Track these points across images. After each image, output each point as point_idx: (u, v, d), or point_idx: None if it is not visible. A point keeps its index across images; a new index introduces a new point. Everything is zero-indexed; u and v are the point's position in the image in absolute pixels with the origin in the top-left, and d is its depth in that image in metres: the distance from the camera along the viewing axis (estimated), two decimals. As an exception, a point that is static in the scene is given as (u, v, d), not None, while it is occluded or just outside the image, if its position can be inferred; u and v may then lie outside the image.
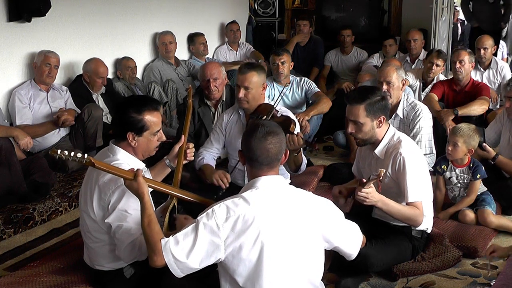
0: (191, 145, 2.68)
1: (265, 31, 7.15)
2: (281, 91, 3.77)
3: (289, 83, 4.51)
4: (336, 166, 4.13)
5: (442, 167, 3.36)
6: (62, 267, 2.68)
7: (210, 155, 3.39)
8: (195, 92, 4.73)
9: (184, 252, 1.88)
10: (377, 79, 3.83)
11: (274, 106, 3.19)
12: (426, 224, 2.78)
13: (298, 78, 4.60)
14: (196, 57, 5.86)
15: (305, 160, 3.06)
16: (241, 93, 3.17)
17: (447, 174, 3.35)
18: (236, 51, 6.40)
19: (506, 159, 3.56)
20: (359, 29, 6.61)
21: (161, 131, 2.39)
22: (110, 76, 4.74)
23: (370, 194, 2.43)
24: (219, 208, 1.92)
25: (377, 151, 2.76)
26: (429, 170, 2.93)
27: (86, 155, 2.05)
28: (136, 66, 4.98)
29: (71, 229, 3.33)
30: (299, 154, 2.97)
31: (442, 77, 4.85)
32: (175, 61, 5.43)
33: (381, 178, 2.34)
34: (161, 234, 1.97)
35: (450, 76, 4.82)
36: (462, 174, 3.30)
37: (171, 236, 1.92)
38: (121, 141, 2.32)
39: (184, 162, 2.65)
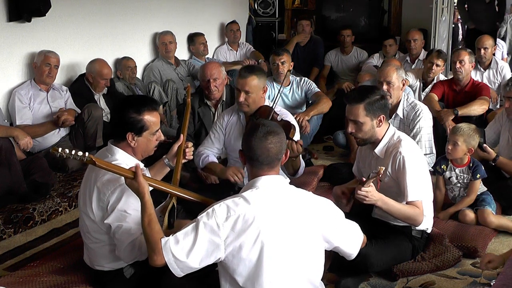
0: (190, 144, 2.68)
1: (265, 31, 7.14)
2: (279, 90, 3.77)
3: (289, 84, 4.52)
4: (336, 166, 4.13)
5: (442, 167, 3.36)
6: (62, 267, 2.68)
7: (212, 154, 3.39)
8: (195, 92, 4.74)
9: (184, 251, 1.88)
10: (377, 79, 3.83)
11: (273, 107, 3.18)
12: (426, 224, 2.78)
13: (298, 78, 4.60)
14: (196, 57, 5.86)
15: (303, 164, 3.06)
16: (242, 97, 3.16)
17: (447, 174, 3.35)
18: (236, 51, 6.39)
19: (506, 160, 3.56)
20: (359, 29, 6.61)
21: (159, 130, 2.39)
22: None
23: (370, 193, 2.43)
24: (220, 208, 1.92)
25: (377, 150, 2.76)
26: (429, 170, 2.93)
27: (87, 154, 2.05)
28: (136, 66, 4.98)
29: (71, 229, 3.33)
30: (298, 158, 2.97)
31: (442, 77, 4.85)
32: (175, 61, 5.43)
33: (380, 175, 2.34)
34: (161, 233, 1.97)
35: (450, 76, 4.82)
36: (462, 174, 3.30)
37: (171, 235, 1.92)
38: (120, 142, 2.31)
39: (183, 161, 2.65)
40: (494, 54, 5.35)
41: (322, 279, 2.08)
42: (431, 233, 2.89)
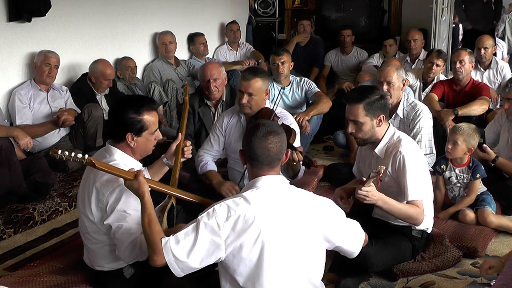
0: (188, 142, 2.67)
1: (265, 31, 7.14)
2: (280, 91, 3.76)
3: (289, 84, 4.52)
4: (336, 166, 4.13)
5: (442, 166, 3.36)
6: (62, 267, 2.68)
7: (211, 159, 3.39)
8: (195, 92, 4.74)
9: (184, 251, 1.88)
10: (377, 79, 3.83)
11: (274, 109, 3.18)
12: (427, 224, 2.78)
13: (298, 78, 4.59)
14: (196, 57, 5.85)
15: (302, 168, 3.06)
16: (244, 99, 3.16)
17: (447, 174, 3.35)
18: (236, 51, 6.39)
19: (506, 161, 3.57)
20: (359, 29, 6.61)
21: (158, 130, 2.39)
22: (112, 76, 4.74)
23: (370, 192, 2.42)
24: (220, 208, 1.92)
25: (377, 150, 2.76)
26: (429, 170, 2.93)
27: (86, 156, 2.05)
28: (136, 66, 4.98)
29: (71, 229, 3.33)
30: (297, 163, 2.96)
31: (442, 77, 4.85)
32: (175, 61, 5.43)
33: (381, 175, 2.34)
34: (162, 233, 1.97)
35: (450, 76, 4.82)
36: (461, 174, 3.30)
37: (171, 235, 1.92)
38: (118, 142, 2.31)
39: (182, 160, 2.65)
40: (495, 54, 5.36)
41: (322, 279, 2.09)
42: (431, 233, 2.89)
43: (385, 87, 3.65)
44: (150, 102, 2.38)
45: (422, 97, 4.65)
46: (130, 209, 2.20)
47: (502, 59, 6.63)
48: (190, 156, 2.69)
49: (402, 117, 3.71)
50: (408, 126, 3.66)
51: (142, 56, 5.38)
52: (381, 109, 2.70)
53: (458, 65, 4.44)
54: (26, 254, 3.03)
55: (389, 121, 2.84)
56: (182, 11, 5.91)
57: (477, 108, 4.33)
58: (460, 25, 7.57)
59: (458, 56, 4.46)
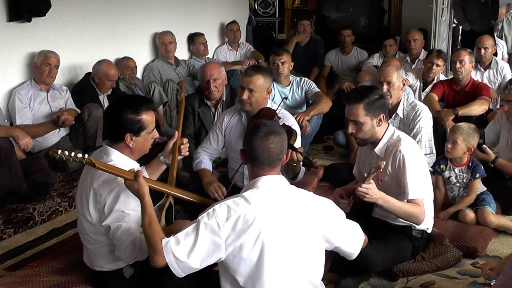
0: (185, 140, 2.67)
1: (265, 31, 7.14)
2: (283, 98, 3.76)
3: (289, 84, 4.52)
4: (336, 166, 4.13)
5: (441, 166, 3.36)
6: (62, 267, 2.68)
7: (208, 157, 3.39)
8: (195, 92, 4.74)
9: (185, 251, 1.88)
10: (377, 79, 3.83)
11: (277, 113, 3.18)
12: (427, 223, 2.78)
13: (298, 78, 4.59)
14: (196, 57, 5.85)
15: (303, 169, 3.06)
16: (245, 95, 3.16)
17: (446, 173, 3.35)
18: (236, 51, 6.39)
19: (505, 162, 3.57)
20: (359, 29, 6.61)
21: (155, 129, 2.39)
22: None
23: (371, 190, 2.42)
24: (220, 208, 1.92)
25: (377, 149, 2.76)
26: (429, 170, 2.93)
27: (86, 156, 2.05)
28: (136, 66, 4.98)
29: (71, 229, 3.33)
30: (298, 164, 2.97)
31: (442, 77, 4.85)
32: (175, 61, 5.43)
33: (381, 170, 2.34)
34: (162, 234, 1.97)
35: (450, 76, 4.82)
36: (461, 174, 3.30)
37: (172, 236, 1.92)
38: (116, 143, 2.30)
39: (179, 157, 2.64)
40: (495, 54, 5.36)
41: (322, 279, 2.08)
42: (431, 233, 2.89)
43: (385, 87, 3.65)
44: (148, 101, 2.39)
45: (422, 97, 4.65)
46: (128, 209, 2.19)
47: (502, 59, 6.62)
48: (187, 153, 2.68)
49: (402, 117, 3.71)
50: (408, 126, 3.66)
51: (142, 56, 5.38)
52: (381, 108, 2.71)
53: (458, 65, 4.44)
54: (26, 254, 3.03)
55: (389, 121, 2.84)
56: (182, 11, 5.92)
57: (477, 108, 4.33)
58: (458, 25, 7.57)
59: (458, 56, 4.46)
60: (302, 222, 1.96)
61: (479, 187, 3.30)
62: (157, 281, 2.27)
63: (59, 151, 2.00)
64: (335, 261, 2.50)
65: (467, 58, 4.44)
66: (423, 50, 5.70)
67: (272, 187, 1.99)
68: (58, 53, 4.11)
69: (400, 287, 2.67)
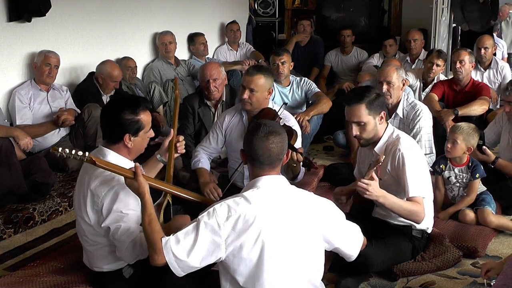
0: (181, 137, 2.66)
1: (265, 31, 7.15)
2: (283, 103, 3.76)
3: (290, 84, 4.52)
4: (336, 166, 4.13)
5: (441, 166, 3.36)
6: (62, 267, 2.67)
7: (207, 156, 3.39)
8: (195, 92, 4.74)
9: (185, 250, 1.88)
10: (377, 79, 3.83)
11: (278, 114, 3.18)
12: (427, 223, 2.78)
13: (298, 78, 4.59)
14: (196, 57, 5.86)
15: (302, 170, 3.06)
16: (245, 95, 3.16)
17: (446, 173, 3.35)
18: (236, 51, 6.39)
19: (505, 162, 3.57)
20: (359, 29, 6.61)
21: (151, 128, 2.39)
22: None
23: (371, 186, 2.41)
24: (220, 207, 1.92)
25: (377, 148, 2.76)
26: (429, 170, 2.93)
27: (87, 153, 2.05)
28: (136, 66, 4.98)
29: (71, 229, 3.33)
30: (298, 164, 2.97)
31: (442, 77, 4.85)
32: (175, 61, 5.43)
33: (380, 163, 2.33)
34: (162, 233, 1.97)
35: (450, 76, 4.82)
36: (461, 174, 3.30)
37: (171, 235, 1.92)
38: (114, 143, 2.29)
39: (176, 155, 2.64)
40: (494, 54, 5.36)
41: (322, 279, 2.08)
42: (431, 233, 2.89)
43: (385, 87, 3.65)
44: (144, 101, 2.39)
45: (422, 97, 4.65)
46: (126, 209, 2.19)
47: (502, 59, 6.62)
48: (184, 151, 2.68)
49: (402, 117, 3.71)
50: (408, 126, 3.66)
51: (142, 56, 5.38)
52: (381, 106, 2.72)
53: (458, 65, 4.44)
54: (26, 254, 3.03)
55: (388, 121, 2.85)
56: (182, 11, 5.92)
57: (477, 108, 4.33)
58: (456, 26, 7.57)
59: (458, 56, 4.46)
60: (302, 222, 1.96)
61: (479, 187, 3.30)
62: (157, 280, 2.27)
63: (60, 149, 2.00)
64: (335, 261, 2.49)
65: (467, 58, 4.44)
66: (423, 50, 5.70)
67: (273, 187, 1.99)
68: (58, 53, 4.11)
69: (400, 287, 2.67)
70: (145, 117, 2.31)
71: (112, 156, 2.26)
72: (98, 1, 4.79)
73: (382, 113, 2.72)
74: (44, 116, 4.06)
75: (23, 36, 4.09)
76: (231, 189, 3.12)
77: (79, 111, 4.18)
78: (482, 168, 3.28)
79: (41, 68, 4.01)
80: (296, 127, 3.28)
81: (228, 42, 6.41)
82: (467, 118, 4.13)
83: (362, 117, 2.67)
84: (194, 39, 5.82)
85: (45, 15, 4.11)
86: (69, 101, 4.25)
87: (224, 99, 3.96)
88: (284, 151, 2.04)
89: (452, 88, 4.54)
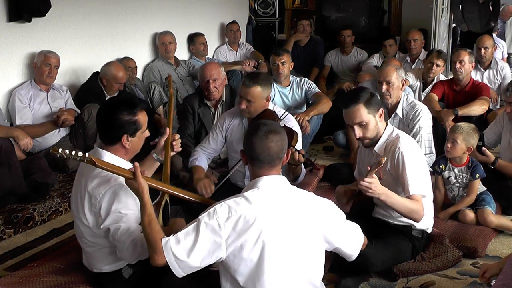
0: (177, 136, 2.65)
1: (265, 31, 7.14)
2: (286, 109, 3.77)
3: (290, 84, 4.52)
4: (336, 166, 4.13)
5: (441, 166, 3.36)
6: (62, 267, 2.67)
7: (205, 155, 3.39)
8: (195, 92, 4.74)
9: (185, 251, 1.88)
10: (377, 79, 3.84)
11: (281, 118, 3.18)
12: (427, 223, 2.78)
13: (298, 79, 4.60)
14: (196, 57, 5.85)
15: (303, 171, 3.06)
16: (243, 105, 3.17)
17: (446, 173, 3.35)
18: (236, 51, 6.39)
19: (505, 163, 3.57)
20: (359, 29, 6.61)
21: (147, 128, 2.39)
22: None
23: (373, 184, 2.41)
24: (221, 208, 1.92)
25: (377, 148, 2.76)
26: (429, 170, 2.93)
27: (87, 154, 2.04)
28: (136, 66, 4.98)
29: (71, 229, 3.32)
30: (299, 166, 2.97)
31: (442, 77, 4.85)
32: (175, 61, 5.43)
33: (382, 165, 2.34)
34: (162, 233, 1.97)
35: (450, 76, 4.82)
36: (460, 174, 3.30)
37: (172, 235, 1.92)
38: (112, 144, 2.28)
39: (172, 153, 2.63)
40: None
41: (322, 279, 2.08)
42: (431, 233, 2.89)
43: (384, 87, 3.65)
44: (140, 101, 2.39)
45: (422, 97, 4.65)
46: (125, 209, 2.19)
47: (502, 59, 6.62)
48: (180, 149, 2.67)
49: (401, 116, 3.71)
50: (407, 126, 3.66)
51: (142, 56, 5.38)
52: (378, 104, 2.73)
53: (458, 65, 4.44)
54: (26, 255, 3.03)
55: (388, 121, 2.85)
56: (182, 11, 5.92)
57: (477, 108, 4.33)
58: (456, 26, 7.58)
59: (458, 56, 4.46)
60: (302, 223, 1.96)
61: (479, 187, 3.30)
62: (157, 281, 2.27)
63: (60, 150, 2.00)
64: (335, 261, 2.49)
65: (467, 58, 4.44)
66: (423, 50, 5.70)
67: (273, 187, 1.99)
68: (58, 53, 4.11)
69: (400, 287, 2.67)
70: (142, 117, 2.32)
71: (109, 157, 2.26)
72: (98, 1, 4.79)
73: (381, 110, 2.72)
74: (44, 116, 4.06)
75: (23, 36, 4.09)
76: (232, 189, 3.12)
77: (79, 111, 4.18)
78: (482, 168, 3.28)
79: (41, 68, 4.02)
80: (296, 128, 3.29)
81: (228, 42, 6.41)
82: (467, 118, 4.13)
83: (362, 117, 2.66)
84: (194, 39, 5.82)
85: (45, 15, 4.11)
86: (69, 101, 4.25)
87: (224, 99, 3.96)
88: (283, 150, 2.04)
89: (452, 88, 4.54)
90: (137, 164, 2.12)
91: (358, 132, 2.70)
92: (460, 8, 6.96)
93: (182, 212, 2.81)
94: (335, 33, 6.37)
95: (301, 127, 3.96)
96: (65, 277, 2.54)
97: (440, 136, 3.99)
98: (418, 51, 5.67)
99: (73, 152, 2.01)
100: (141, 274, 2.33)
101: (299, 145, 3.14)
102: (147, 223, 2.00)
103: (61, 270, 2.65)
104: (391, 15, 6.99)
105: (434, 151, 3.67)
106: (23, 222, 3.26)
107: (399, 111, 3.71)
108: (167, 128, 2.63)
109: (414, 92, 4.73)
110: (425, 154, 3.53)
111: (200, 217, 1.93)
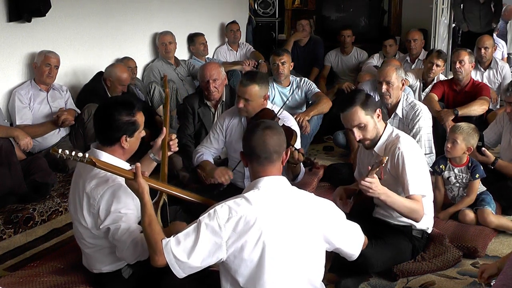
0: (174, 135, 2.66)
1: (265, 31, 7.14)
2: (284, 102, 3.76)
3: (290, 84, 4.52)
4: (336, 166, 4.13)
5: (441, 166, 3.36)
6: (62, 267, 2.67)
7: (209, 152, 3.40)
8: (194, 92, 4.74)
9: (185, 252, 1.88)
10: (377, 79, 3.84)
11: (277, 115, 3.18)
12: (427, 223, 2.78)
13: (298, 79, 4.60)
14: (196, 57, 5.85)
15: (303, 170, 3.06)
16: (241, 104, 3.17)
17: (446, 173, 3.35)
18: (236, 51, 6.39)
19: (505, 163, 3.57)
20: (359, 29, 6.61)
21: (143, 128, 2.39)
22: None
23: (374, 184, 2.41)
24: (221, 209, 1.92)
25: (377, 148, 2.76)
26: (429, 170, 2.93)
27: (87, 155, 2.04)
28: (136, 67, 4.98)
29: (71, 229, 3.30)
30: (298, 164, 2.97)
31: (442, 77, 4.85)
32: (175, 61, 5.43)
33: (383, 164, 2.34)
34: (162, 234, 1.97)
35: (450, 76, 4.82)
36: (460, 174, 3.30)
37: (172, 236, 1.92)
38: (110, 145, 2.28)
39: (169, 153, 2.63)
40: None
41: (322, 280, 2.08)
42: (431, 233, 2.89)
43: (384, 87, 3.65)
44: (137, 101, 2.40)
45: (422, 97, 4.65)
46: (124, 209, 2.19)
47: (502, 59, 6.62)
48: (177, 149, 2.67)
49: (401, 117, 3.71)
50: (407, 126, 3.66)
51: (142, 56, 5.38)
52: (375, 104, 2.73)
53: (458, 65, 4.44)
54: (26, 255, 3.03)
55: (388, 121, 2.85)
56: (182, 11, 5.92)
57: (477, 108, 4.33)
58: (456, 26, 7.58)
59: (458, 56, 4.46)
60: (303, 223, 1.96)
61: (479, 187, 3.30)
62: (157, 281, 2.27)
63: (60, 150, 1.99)
64: (335, 261, 2.50)
65: (466, 58, 4.44)
66: (423, 50, 5.70)
67: (273, 188, 1.99)
68: (58, 54, 4.11)
69: (400, 287, 2.67)
70: (140, 118, 2.33)
71: (106, 158, 2.25)
72: (98, 1, 4.79)
73: (378, 110, 2.72)
74: (44, 116, 4.06)
75: (23, 36, 4.10)
76: (232, 189, 3.12)
77: (79, 111, 4.19)
78: (482, 168, 3.28)
79: (41, 68, 4.02)
80: (295, 127, 3.28)
81: (228, 42, 6.41)
82: (467, 118, 4.13)
83: (360, 119, 2.66)
84: (194, 39, 5.82)
85: (45, 15, 4.11)
86: (69, 101, 4.25)
87: (224, 99, 3.96)
88: (281, 145, 2.04)
89: (452, 88, 4.54)
90: (138, 164, 2.13)
91: (357, 134, 2.70)
92: (461, 7, 6.98)
93: (182, 212, 2.81)
94: (335, 33, 6.36)
95: (301, 127, 3.96)
96: (65, 277, 2.54)
97: (440, 136, 3.99)
98: (418, 51, 5.67)
99: (73, 153, 2.01)
100: (141, 274, 2.33)
101: (298, 145, 3.14)
102: (147, 223, 2.00)
103: (61, 270, 2.65)
104: (391, 15, 6.99)
105: (434, 151, 3.67)
106: (23, 222, 3.26)
107: (399, 111, 3.71)
108: (164, 128, 2.63)
109: (414, 92, 4.73)
110: (425, 154, 3.53)
111: (200, 218, 1.92)
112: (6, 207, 3.33)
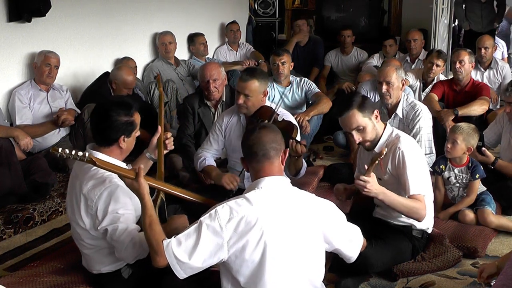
0: (169, 134, 2.65)
1: (265, 31, 7.14)
2: (282, 93, 3.76)
3: (290, 84, 4.52)
4: (336, 166, 4.13)
5: (441, 166, 3.36)
6: (62, 267, 2.68)
7: (211, 156, 3.39)
8: (194, 92, 4.74)
9: (186, 253, 1.88)
10: (376, 79, 3.83)
11: (275, 111, 3.18)
12: (427, 223, 2.78)
13: (298, 79, 4.60)
14: (196, 57, 5.85)
15: (305, 165, 3.06)
16: (241, 100, 3.17)
17: (446, 174, 3.35)
18: (236, 51, 6.39)
19: (505, 163, 3.57)
20: (359, 29, 6.60)
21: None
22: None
23: (369, 183, 2.41)
24: (222, 209, 1.92)
25: (377, 148, 2.75)
26: (429, 171, 2.93)
27: (87, 154, 2.04)
28: (136, 67, 4.98)
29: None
30: (300, 158, 2.97)
31: (442, 77, 4.85)
32: (175, 61, 5.43)
33: (382, 156, 2.33)
34: (163, 234, 1.97)
35: (450, 76, 4.82)
36: (460, 174, 3.30)
37: (173, 237, 1.92)
38: (107, 146, 2.28)
39: (165, 152, 2.63)
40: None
41: (322, 280, 2.09)
42: (431, 233, 2.89)
43: (384, 87, 3.65)
44: (134, 101, 2.40)
45: (422, 97, 4.65)
46: (122, 209, 2.19)
47: (502, 59, 6.62)
48: (173, 147, 2.67)
49: (401, 117, 3.71)
50: (407, 126, 3.66)
51: (142, 56, 5.38)
52: (371, 105, 2.73)
53: (458, 65, 4.43)
54: (26, 255, 3.03)
55: (388, 121, 2.84)
56: (182, 11, 5.92)
57: (477, 108, 4.33)
58: (456, 25, 7.58)
59: (458, 56, 4.45)
60: (303, 223, 1.96)
61: (479, 187, 3.30)
62: (157, 281, 2.27)
63: (60, 149, 2.00)
64: (335, 261, 2.50)
65: (467, 58, 4.44)
66: (423, 50, 5.70)
67: (274, 188, 1.99)
68: (58, 54, 4.11)
69: (400, 287, 2.67)
70: (137, 118, 2.33)
71: (103, 158, 2.24)
72: (98, 1, 4.79)
73: (376, 112, 2.71)
74: (44, 116, 4.06)
75: (23, 36, 4.10)
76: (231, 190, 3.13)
77: (79, 111, 4.19)
78: (482, 168, 3.28)
79: (41, 68, 4.02)
80: (295, 122, 3.28)
81: (228, 42, 6.41)
82: (467, 118, 4.13)
83: (358, 121, 2.66)
84: (194, 39, 5.82)
85: (45, 15, 4.11)
86: (69, 101, 4.25)
87: (224, 99, 3.96)
88: (277, 141, 2.04)
89: (452, 88, 4.54)
90: (141, 166, 2.13)
91: (357, 137, 2.69)
92: (463, 6, 6.98)
93: (181, 210, 2.81)
94: (335, 33, 6.36)
95: (301, 127, 3.96)
96: (65, 277, 2.54)
97: (440, 136, 3.98)
98: (418, 51, 5.67)
99: (73, 152, 2.01)
100: (141, 274, 2.33)
101: (299, 137, 3.13)
102: (147, 224, 2.00)
103: (61, 270, 2.65)
104: (391, 15, 6.99)
105: (434, 151, 3.67)
106: (23, 222, 3.26)
107: (399, 111, 3.71)
108: (159, 127, 2.63)
109: (414, 92, 4.73)
110: (425, 154, 3.53)
111: (201, 218, 1.92)
112: (6, 207, 3.33)
